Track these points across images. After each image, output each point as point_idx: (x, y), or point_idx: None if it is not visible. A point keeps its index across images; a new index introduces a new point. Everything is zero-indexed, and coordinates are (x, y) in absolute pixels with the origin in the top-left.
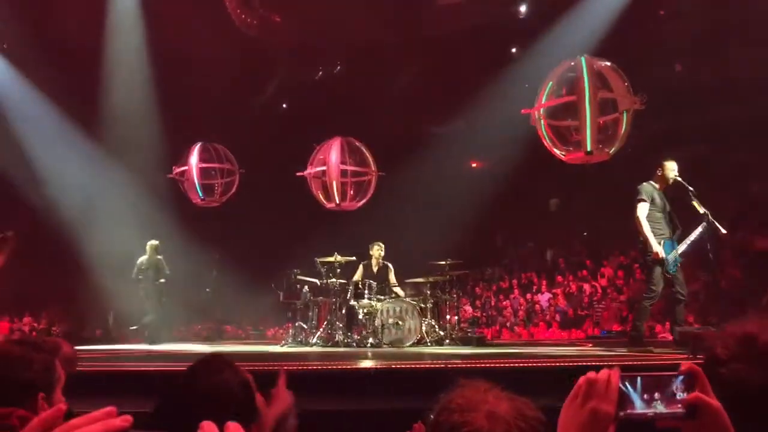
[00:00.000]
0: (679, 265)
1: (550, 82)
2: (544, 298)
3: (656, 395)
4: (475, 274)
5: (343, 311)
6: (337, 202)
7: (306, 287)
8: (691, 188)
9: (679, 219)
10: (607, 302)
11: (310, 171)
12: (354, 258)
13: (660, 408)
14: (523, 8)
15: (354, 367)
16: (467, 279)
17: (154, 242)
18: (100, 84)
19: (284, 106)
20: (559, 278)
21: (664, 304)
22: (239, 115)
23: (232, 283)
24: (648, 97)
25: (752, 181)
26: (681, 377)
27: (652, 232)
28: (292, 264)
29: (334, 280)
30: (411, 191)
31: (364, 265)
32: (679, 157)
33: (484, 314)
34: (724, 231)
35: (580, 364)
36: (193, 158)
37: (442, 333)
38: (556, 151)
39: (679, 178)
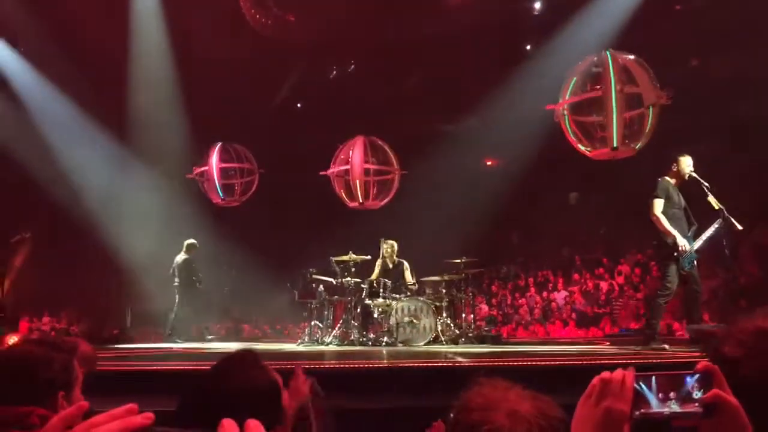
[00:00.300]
0: (695, 261)
1: (575, 78)
2: (560, 296)
3: (672, 394)
4: (490, 272)
5: (358, 310)
6: (360, 201)
7: (321, 286)
8: (706, 184)
9: (694, 215)
10: (625, 300)
11: (333, 170)
12: (369, 257)
13: (676, 407)
14: (537, 5)
15: (368, 365)
16: (483, 277)
17: (189, 241)
18: (124, 84)
19: (299, 105)
20: (576, 276)
21: (681, 301)
22: (255, 115)
23: (249, 282)
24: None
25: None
26: (697, 376)
27: None
28: (309, 263)
29: (349, 279)
30: (426, 189)
31: (380, 263)
32: (697, 153)
33: (500, 312)
34: (740, 227)
35: (593, 362)
36: (213, 158)
37: (457, 331)
38: (581, 147)
39: (695, 174)
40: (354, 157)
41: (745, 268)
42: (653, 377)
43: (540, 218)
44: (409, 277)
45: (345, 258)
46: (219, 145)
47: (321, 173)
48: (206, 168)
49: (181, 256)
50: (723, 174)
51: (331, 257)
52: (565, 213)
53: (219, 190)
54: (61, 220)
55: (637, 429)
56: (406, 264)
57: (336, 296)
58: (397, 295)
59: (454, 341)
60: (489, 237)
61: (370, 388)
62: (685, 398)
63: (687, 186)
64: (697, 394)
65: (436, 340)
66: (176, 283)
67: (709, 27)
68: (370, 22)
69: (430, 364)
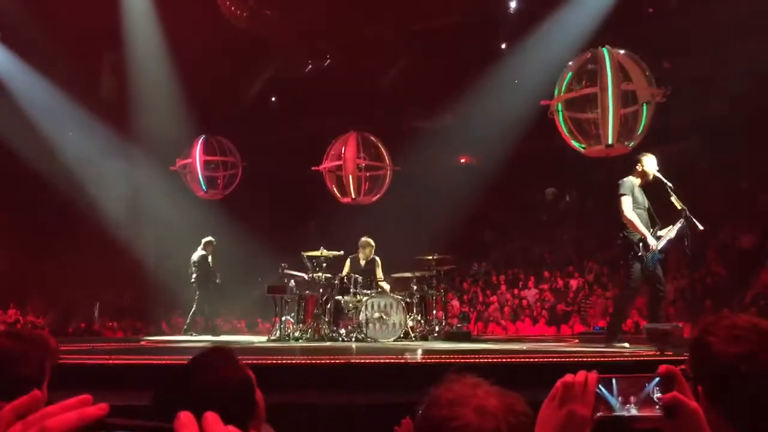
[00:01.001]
0: (657, 261)
1: (570, 73)
2: (531, 294)
3: (633, 397)
4: (462, 270)
5: (329, 306)
6: (353, 196)
7: (293, 281)
8: (669, 183)
9: (658, 214)
10: (594, 298)
11: (325, 165)
12: (342, 252)
13: (637, 410)
14: (513, 4)
15: (327, 361)
16: (454, 274)
17: (206, 239)
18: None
19: (273, 99)
20: (547, 274)
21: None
22: (230, 108)
23: (223, 277)
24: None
25: (741, 179)
26: (658, 379)
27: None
28: (282, 258)
29: (320, 274)
30: (400, 186)
31: (351, 260)
32: (666, 154)
33: (471, 310)
34: (701, 227)
35: (553, 360)
36: (197, 151)
37: (428, 328)
38: (575, 144)
39: (659, 174)
40: (347, 152)
41: (711, 268)
42: (615, 380)
43: (512, 216)
44: (379, 273)
45: (316, 253)
46: (202, 137)
47: (313, 168)
48: (189, 160)
49: (197, 253)
50: (692, 175)
51: (302, 252)
52: (538, 211)
53: (202, 182)
54: (28, 211)
55: (599, 430)
56: (378, 261)
57: (308, 291)
58: (368, 291)
59: (424, 338)
60: (462, 234)
61: (335, 384)
62: (647, 401)
63: (651, 186)
64: (657, 397)
65: (406, 337)
66: (193, 280)
67: (681, 28)
68: (346, 18)
69: (391, 361)
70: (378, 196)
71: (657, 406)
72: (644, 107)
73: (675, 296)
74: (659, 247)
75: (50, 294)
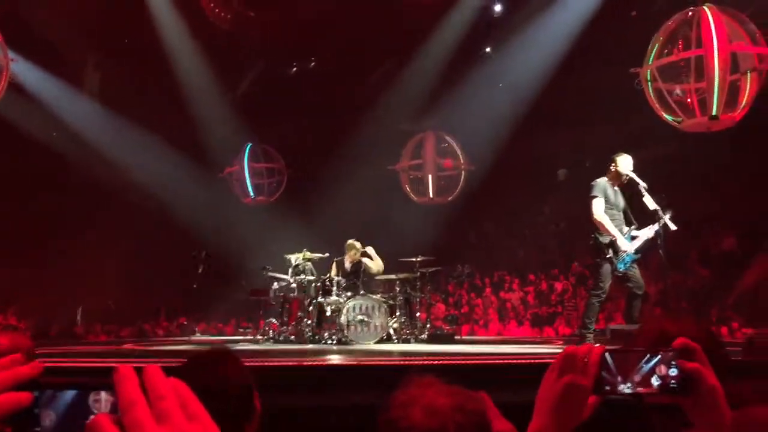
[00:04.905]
0: (633, 262)
1: (661, 38)
2: (515, 296)
3: (645, 371)
4: (447, 272)
5: (311, 308)
6: (431, 196)
7: (276, 284)
8: (643, 184)
9: (635, 215)
10: (578, 300)
11: (402, 164)
12: (327, 254)
13: (649, 383)
14: (498, 7)
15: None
16: (440, 276)
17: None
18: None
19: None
20: (531, 276)
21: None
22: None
23: (209, 280)
24: (619, 97)
25: (723, 181)
26: (673, 353)
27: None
28: (267, 261)
29: (303, 276)
30: (384, 189)
31: (337, 263)
32: (648, 157)
33: (456, 312)
34: (674, 227)
35: (525, 362)
36: (245, 158)
37: (412, 330)
38: (668, 118)
39: (633, 174)
40: (426, 152)
41: (693, 270)
42: (626, 353)
43: (497, 218)
44: (374, 265)
45: (299, 255)
46: (249, 145)
47: (389, 168)
48: (237, 168)
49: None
50: (674, 177)
51: (285, 255)
52: (523, 214)
53: (251, 189)
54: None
55: (608, 405)
56: (368, 254)
57: (291, 294)
58: (350, 293)
59: (406, 340)
60: (447, 236)
61: (306, 386)
62: (661, 376)
63: (629, 187)
64: (673, 371)
65: (388, 339)
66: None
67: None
68: (331, 21)
69: (364, 363)
70: (453, 195)
71: (672, 381)
72: (748, 75)
73: (656, 298)
74: (634, 248)
75: (32, 297)
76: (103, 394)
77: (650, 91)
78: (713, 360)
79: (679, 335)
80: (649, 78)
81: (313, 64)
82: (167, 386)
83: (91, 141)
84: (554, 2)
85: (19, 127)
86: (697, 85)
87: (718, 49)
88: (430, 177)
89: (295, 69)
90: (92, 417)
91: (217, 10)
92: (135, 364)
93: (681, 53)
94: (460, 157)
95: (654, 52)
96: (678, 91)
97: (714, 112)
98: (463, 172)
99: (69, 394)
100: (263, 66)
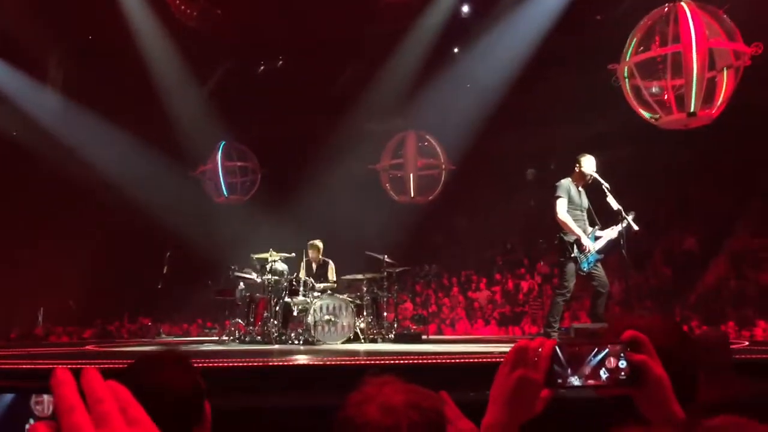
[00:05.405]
0: (595, 261)
1: (638, 34)
2: (482, 296)
3: (595, 364)
4: (415, 272)
5: (278, 308)
6: (412, 195)
7: (242, 284)
8: (606, 184)
9: (599, 216)
10: (544, 299)
11: (383, 164)
12: (293, 254)
13: (598, 376)
14: (465, 8)
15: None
16: (407, 276)
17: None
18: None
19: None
20: (498, 276)
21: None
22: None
23: (173, 280)
24: (585, 99)
25: (687, 182)
26: (621, 345)
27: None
28: (237, 261)
29: (269, 276)
30: (351, 188)
31: (306, 262)
32: (612, 157)
33: (424, 311)
34: (636, 228)
35: (485, 360)
36: (219, 157)
37: (380, 330)
38: (646, 115)
39: (596, 174)
40: (406, 151)
41: (656, 269)
42: (576, 347)
43: (464, 218)
44: (332, 275)
45: (266, 255)
46: (223, 143)
47: (370, 167)
48: (210, 166)
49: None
50: (638, 178)
51: (251, 254)
52: (489, 213)
53: (224, 188)
54: None
55: (559, 399)
56: (331, 264)
57: (258, 294)
58: (318, 293)
59: (374, 340)
60: (414, 236)
61: (272, 386)
62: (611, 368)
63: (594, 188)
64: (622, 363)
65: (355, 339)
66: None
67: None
68: (299, 20)
69: (327, 363)
70: (433, 195)
71: (622, 373)
72: (724, 72)
73: (620, 297)
74: (597, 248)
75: None
76: (46, 397)
77: (627, 88)
78: (683, 355)
79: (650, 332)
80: (626, 75)
81: (280, 63)
82: (105, 389)
83: (54, 136)
84: (521, 4)
85: None
86: (674, 81)
87: (697, 45)
88: (411, 176)
89: (262, 68)
90: (30, 425)
91: (182, 7)
92: (74, 367)
93: (659, 49)
94: (441, 156)
95: (631, 48)
96: (655, 88)
97: (692, 109)
98: (443, 172)
99: (8, 397)
100: (231, 64)
